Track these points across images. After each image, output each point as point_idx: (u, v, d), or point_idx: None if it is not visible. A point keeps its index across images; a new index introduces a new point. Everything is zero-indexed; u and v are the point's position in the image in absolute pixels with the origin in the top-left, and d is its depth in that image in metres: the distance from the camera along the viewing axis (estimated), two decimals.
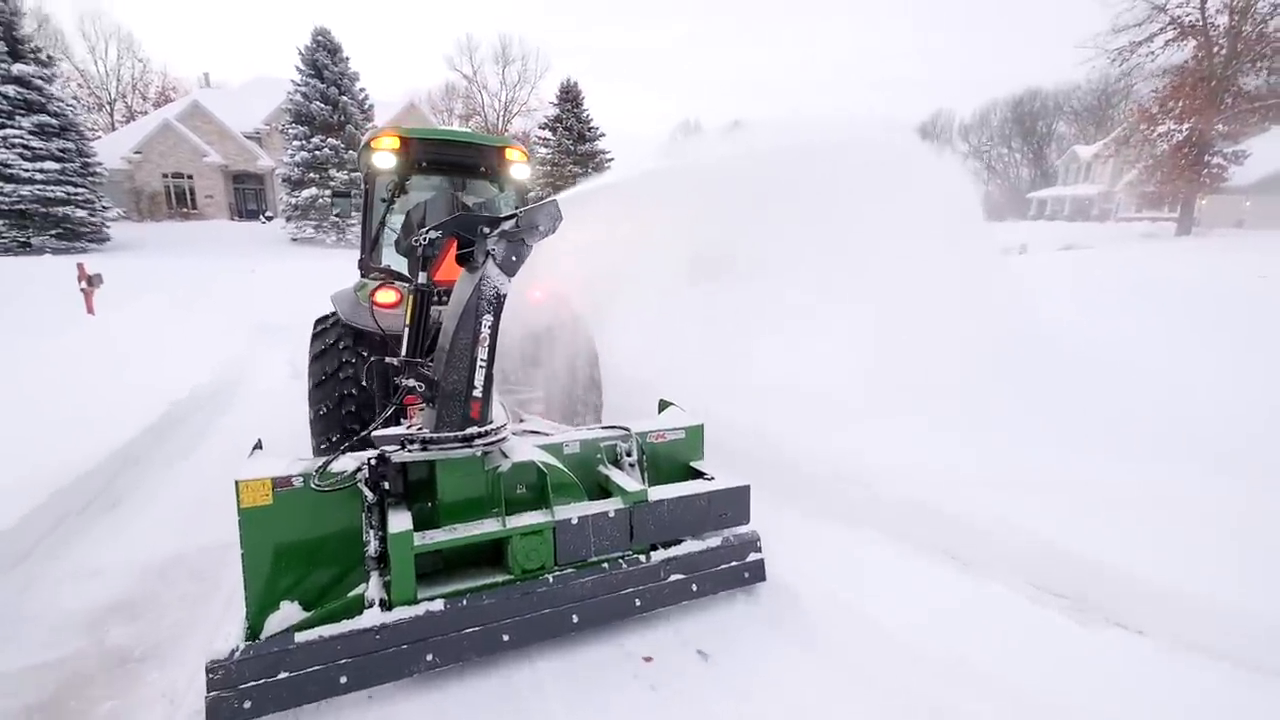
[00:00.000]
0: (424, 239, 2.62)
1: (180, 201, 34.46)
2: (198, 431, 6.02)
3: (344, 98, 28.96)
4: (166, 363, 7.30)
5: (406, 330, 2.75)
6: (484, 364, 2.58)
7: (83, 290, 9.11)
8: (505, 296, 2.61)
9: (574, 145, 35.16)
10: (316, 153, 28.27)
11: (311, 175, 28.54)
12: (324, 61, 28.74)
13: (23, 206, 22.96)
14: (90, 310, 8.99)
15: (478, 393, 2.57)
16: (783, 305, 6.27)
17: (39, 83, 23.64)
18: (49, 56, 25.50)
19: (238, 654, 2.22)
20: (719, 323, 6.80)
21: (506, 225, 2.59)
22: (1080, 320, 5.71)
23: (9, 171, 22.65)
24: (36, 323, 8.29)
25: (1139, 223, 31.10)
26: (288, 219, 30.10)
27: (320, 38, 28.95)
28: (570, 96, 35.68)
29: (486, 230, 2.57)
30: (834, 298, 5.72)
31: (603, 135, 36.13)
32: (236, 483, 2.44)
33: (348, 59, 29.67)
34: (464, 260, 2.71)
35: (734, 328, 6.53)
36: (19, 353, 6.31)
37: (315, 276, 10.64)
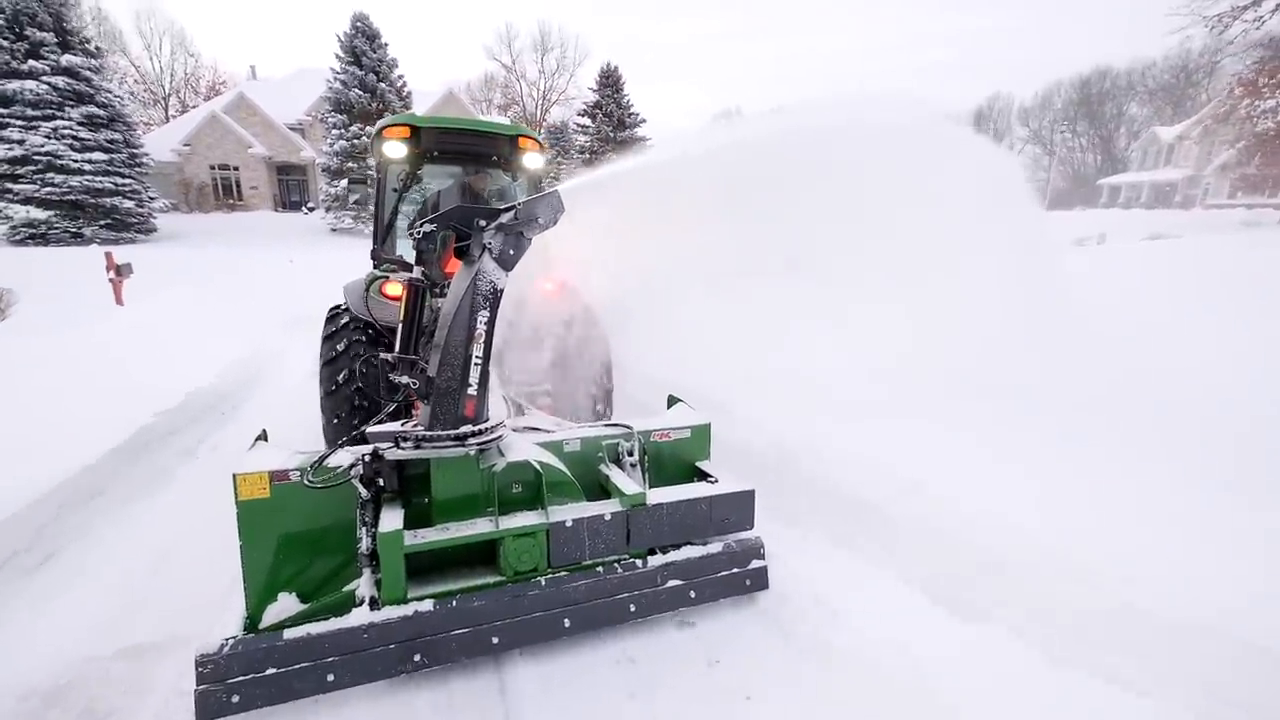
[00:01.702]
0: (418, 232, 2.64)
1: (227, 193, 36.02)
2: (184, 450, 5.15)
3: (382, 85, 29.82)
4: (174, 361, 6.81)
5: (400, 325, 2.79)
6: (479, 361, 2.58)
7: (111, 281, 9.16)
8: (502, 291, 2.61)
9: (614, 132, 35.24)
10: (355, 141, 29.16)
11: (350, 165, 29.48)
12: (363, 48, 29.61)
13: (73, 197, 24.28)
14: (119, 301, 9.07)
15: (472, 390, 2.58)
16: (820, 301, 5.88)
17: (87, 74, 24.90)
18: (97, 48, 26.86)
19: (226, 649, 2.28)
20: (758, 318, 6.39)
21: (505, 218, 2.59)
22: (1185, 323, 5.15)
23: (59, 162, 23.99)
24: (56, 317, 8.03)
25: (1233, 209, 29.13)
26: (327, 209, 31.15)
27: (359, 23, 29.87)
28: (610, 82, 35.83)
29: (482, 223, 2.57)
30: (883, 296, 5.29)
31: (643, 121, 36.11)
32: (234, 475, 2.52)
33: (386, 45, 30.52)
34: (461, 254, 2.73)
35: (775, 324, 6.09)
36: (9, 355, 5.74)
37: (351, 267, 10.80)
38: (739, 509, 3.05)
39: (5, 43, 23.33)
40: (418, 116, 4.24)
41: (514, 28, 63.03)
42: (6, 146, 23.50)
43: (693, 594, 2.88)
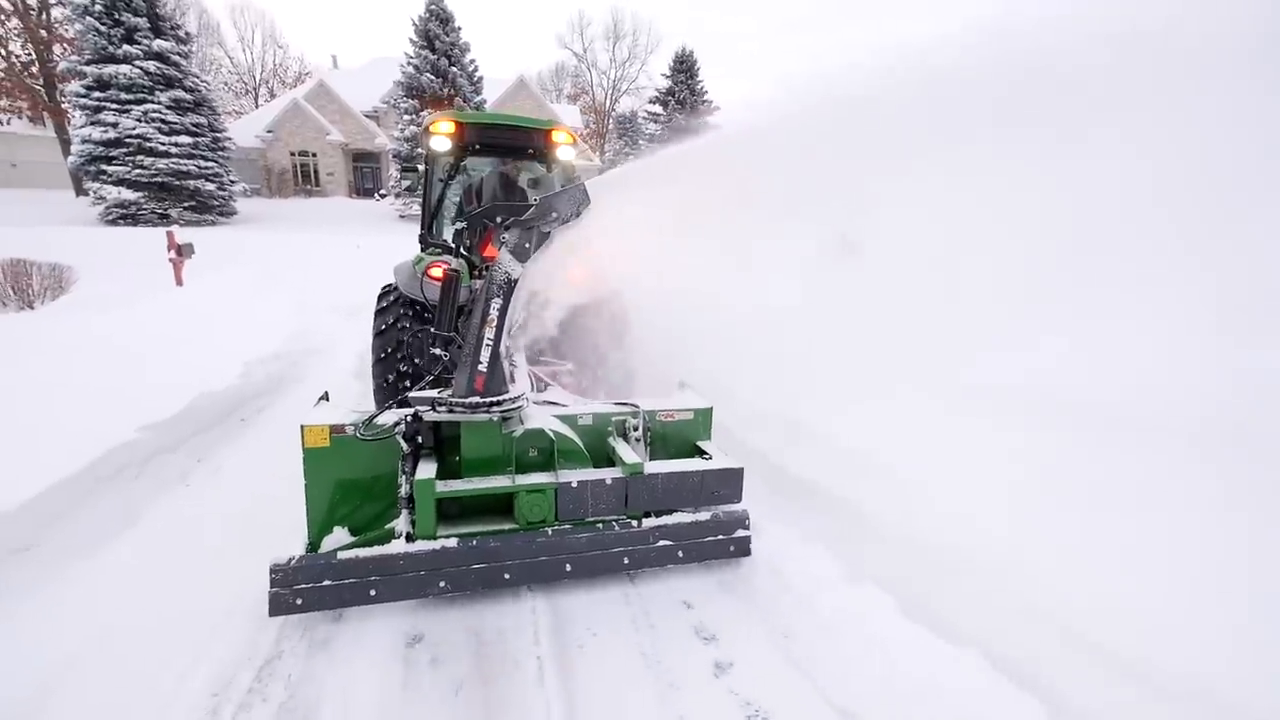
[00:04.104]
0: (454, 227, 3.30)
1: (305, 179, 38.80)
2: (177, 473, 4.42)
3: (454, 69, 31.38)
4: (200, 354, 6.28)
5: (438, 306, 3.45)
6: (490, 343, 3.18)
7: (171, 260, 9.55)
8: (516, 281, 3.23)
9: (686, 121, 35.71)
10: None
11: (420, 150, 31.15)
12: (436, 31, 31.31)
13: (161, 180, 26.53)
14: (179, 281, 9.51)
15: (482, 368, 3.18)
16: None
17: (175, 58, 27.06)
18: (186, 33, 29.07)
19: (294, 562, 3.03)
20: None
21: (526, 214, 3.17)
22: None
23: (149, 145, 26.16)
24: (108, 297, 8.05)
25: None
26: (396, 195, 33.08)
27: (433, 6, 31.54)
28: (685, 67, 36.27)
29: (500, 219, 3.17)
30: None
31: (718, 109, 36.40)
32: (301, 426, 3.24)
33: (459, 29, 32.14)
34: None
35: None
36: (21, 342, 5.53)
37: (412, 253, 10.97)
38: (729, 483, 3.59)
39: (103, 28, 25.53)
40: (461, 113, 4.99)
41: (587, 15, 65.05)
42: (102, 129, 25.79)
43: (680, 554, 3.45)
